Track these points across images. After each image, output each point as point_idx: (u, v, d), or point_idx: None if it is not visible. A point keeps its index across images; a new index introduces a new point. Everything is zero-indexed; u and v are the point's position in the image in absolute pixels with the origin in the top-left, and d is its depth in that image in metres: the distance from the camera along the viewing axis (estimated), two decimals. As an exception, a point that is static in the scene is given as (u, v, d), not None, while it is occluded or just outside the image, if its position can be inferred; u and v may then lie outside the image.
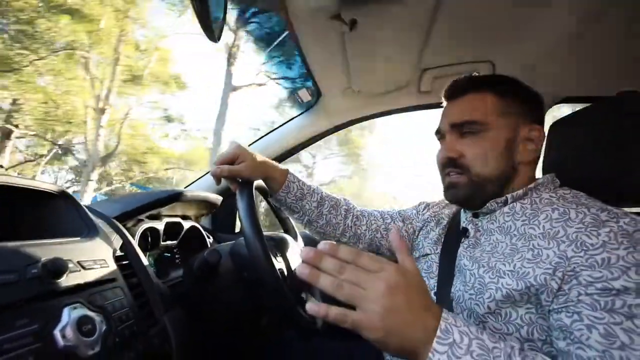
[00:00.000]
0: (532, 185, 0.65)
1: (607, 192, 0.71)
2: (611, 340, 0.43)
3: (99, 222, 0.68)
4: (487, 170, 0.66)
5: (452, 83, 0.74)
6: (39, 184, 0.57)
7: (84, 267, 0.50)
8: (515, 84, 0.70)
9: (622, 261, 0.46)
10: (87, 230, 0.61)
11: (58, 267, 0.45)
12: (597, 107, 0.77)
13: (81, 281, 0.49)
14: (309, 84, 1.21)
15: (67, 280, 0.46)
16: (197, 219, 1.23)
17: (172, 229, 1.06)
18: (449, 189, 0.71)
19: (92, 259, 0.54)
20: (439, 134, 0.74)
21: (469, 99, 0.69)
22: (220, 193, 1.28)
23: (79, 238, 0.58)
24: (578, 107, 0.84)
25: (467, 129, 0.67)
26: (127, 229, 0.81)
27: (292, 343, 0.94)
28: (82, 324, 0.43)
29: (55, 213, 0.61)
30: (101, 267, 0.55)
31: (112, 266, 0.59)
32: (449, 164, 0.69)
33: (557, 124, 0.82)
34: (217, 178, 0.75)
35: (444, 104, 0.76)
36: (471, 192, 0.67)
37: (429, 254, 0.79)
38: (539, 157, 0.70)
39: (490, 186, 0.66)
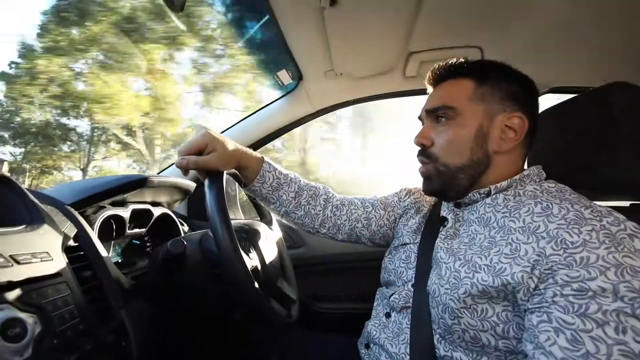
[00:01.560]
0: (517, 177, 0.63)
1: (591, 184, 0.69)
2: (577, 347, 0.41)
3: (48, 209, 0.62)
4: (454, 159, 0.64)
5: (432, 69, 0.71)
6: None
7: (17, 262, 0.45)
8: (500, 69, 0.67)
9: (602, 261, 0.44)
10: (29, 219, 0.55)
11: (-20, 263, 0.39)
12: (584, 98, 0.74)
13: (12, 278, 0.43)
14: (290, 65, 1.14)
15: (-7, 278, 0.41)
16: (169, 206, 1.17)
17: (142, 216, 1.00)
18: (423, 180, 0.70)
19: (30, 251, 0.48)
20: (420, 121, 0.73)
21: (447, 86, 0.68)
22: (194, 179, 1.23)
23: (16, 228, 0.52)
24: (565, 97, 0.82)
25: (441, 115, 0.66)
26: (86, 217, 0.75)
27: (268, 336, 0.92)
28: (7, 327, 0.38)
29: (-7, 201, 0.54)
30: (42, 260, 0.49)
31: (58, 259, 0.54)
32: (420, 152, 0.69)
33: (543, 115, 0.79)
34: (183, 170, 0.68)
35: (429, 90, 0.73)
36: (442, 182, 0.66)
37: (407, 243, 0.77)
38: (526, 147, 0.67)
39: (462, 176, 0.64)
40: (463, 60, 0.69)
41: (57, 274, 0.51)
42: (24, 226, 0.53)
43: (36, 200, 0.59)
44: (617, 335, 0.40)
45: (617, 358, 0.39)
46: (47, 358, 0.42)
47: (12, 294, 0.42)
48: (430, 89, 0.73)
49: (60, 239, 0.58)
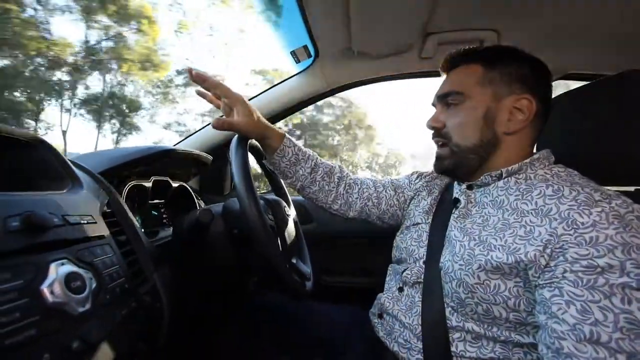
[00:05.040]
0: (527, 161, 0.65)
1: (602, 170, 0.72)
2: (586, 317, 0.45)
3: (83, 176, 0.64)
4: (465, 140, 0.67)
5: (446, 57, 0.74)
6: (15, 131, 0.52)
7: (69, 222, 0.47)
8: (510, 53, 0.68)
9: (610, 240, 0.46)
10: (71, 184, 0.58)
11: (42, 221, 0.41)
12: (598, 85, 0.75)
13: (67, 236, 0.46)
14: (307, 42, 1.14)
15: (52, 235, 0.43)
16: (185, 179, 1.20)
17: (160, 188, 1.02)
18: (435, 159, 0.74)
19: (78, 213, 0.51)
20: (433, 107, 0.75)
21: (458, 72, 0.71)
22: (210, 153, 1.24)
23: (63, 191, 0.54)
24: (577, 84, 0.83)
25: (451, 100, 0.69)
26: (113, 186, 0.77)
27: (280, 305, 0.96)
28: (70, 280, 0.41)
29: (35, 164, 0.56)
30: (88, 222, 0.52)
31: (100, 222, 0.56)
32: (434, 135, 0.72)
33: (556, 100, 0.80)
34: (219, 129, 0.73)
35: (442, 77, 0.76)
36: (454, 163, 0.69)
37: (419, 223, 0.80)
38: (537, 130, 0.68)
39: (473, 156, 0.67)
40: (476, 46, 0.71)
41: (102, 236, 0.54)
42: (67, 190, 0.55)
43: (73, 167, 0.61)
44: (623, 305, 0.43)
45: (623, 325, 0.42)
46: (102, 311, 0.45)
47: (70, 251, 0.45)
48: (443, 76, 0.75)
49: (98, 204, 0.60)
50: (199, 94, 0.78)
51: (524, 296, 0.55)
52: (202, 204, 1.24)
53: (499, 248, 0.57)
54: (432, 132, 0.73)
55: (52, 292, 0.39)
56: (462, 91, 0.67)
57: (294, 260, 0.89)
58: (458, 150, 0.68)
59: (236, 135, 0.74)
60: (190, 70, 0.71)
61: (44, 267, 0.40)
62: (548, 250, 0.51)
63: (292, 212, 1.03)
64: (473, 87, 0.66)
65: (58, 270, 0.41)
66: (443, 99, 0.70)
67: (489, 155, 0.67)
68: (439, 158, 0.72)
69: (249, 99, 1.32)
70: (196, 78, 0.71)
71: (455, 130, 0.68)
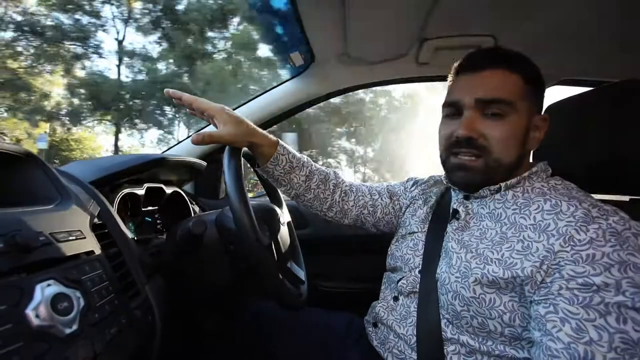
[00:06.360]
0: (526, 174, 0.64)
1: (595, 179, 0.71)
2: (581, 335, 0.44)
3: (72, 187, 0.63)
4: (506, 156, 0.62)
5: (477, 52, 0.67)
6: (4, 146, 0.51)
7: (57, 240, 0.46)
8: (537, 69, 0.65)
9: (607, 258, 0.46)
10: (59, 197, 0.56)
11: (27, 241, 0.40)
12: (596, 93, 0.75)
13: (55, 255, 0.45)
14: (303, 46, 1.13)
15: (38, 255, 0.42)
16: (179, 185, 1.18)
17: (154, 194, 1.01)
18: (458, 170, 0.65)
19: (66, 229, 0.50)
20: (453, 107, 0.66)
21: (500, 75, 0.62)
22: (204, 158, 1.23)
23: (51, 207, 0.53)
24: (571, 90, 0.83)
25: (495, 108, 0.60)
26: (105, 195, 0.76)
27: (274, 312, 0.95)
28: (57, 301, 0.40)
29: (22, 178, 0.55)
30: (77, 238, 0.51)
31: (90, 237, 0.55)
32: (464, 144, 0.62)
33: (552, 108, 0.80)
34: (199, 144, 0.70)
35: (459, 75, 0.68)
36: (485, 177, 0.63)
37: (415, 232, 0.79)
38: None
39: (502, 172, 0.63)
40: (509, 50, 0.65)
41: (91, 252, 0.53)
42: (55, 205, 0.54)
43: (62, 179, 0.60)
44: (618, 325, 0.43)
45: (618, 345, 0.42)
46: (91, 331, 0.44)
47: (57, 270, 0.44)
48: (456, 74, 0.68)
49: (88, 217, 0.59)
50: (190, 112, 0.75)
51: (519, 311, 0.54)
52: (197, 209, 1.22)
53: (495, 262, 0.56)
54: (456, 140, 0.63)
55: (37, 316, 0.38)
56: (513, 101, 0.59)
57: (288, 265, 0.89)
58: (495, 165, 0.61)
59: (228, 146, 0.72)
60: (167, 91, 0.71)
61: (29, 289, 0.39)
62: (544, 267, 0.51)
63: (286, 217, 1.03)
64: (519, 100, 0.60)
65: (44, 291, 0.40)
66: (483, 105, 0.61)
67: (511, 172, 0.64)
68: (466, 170, 0.63)
69: (242, 104, 1.31)
70: (173, 97, 0.71)
71: (498, 144, 0.60)
